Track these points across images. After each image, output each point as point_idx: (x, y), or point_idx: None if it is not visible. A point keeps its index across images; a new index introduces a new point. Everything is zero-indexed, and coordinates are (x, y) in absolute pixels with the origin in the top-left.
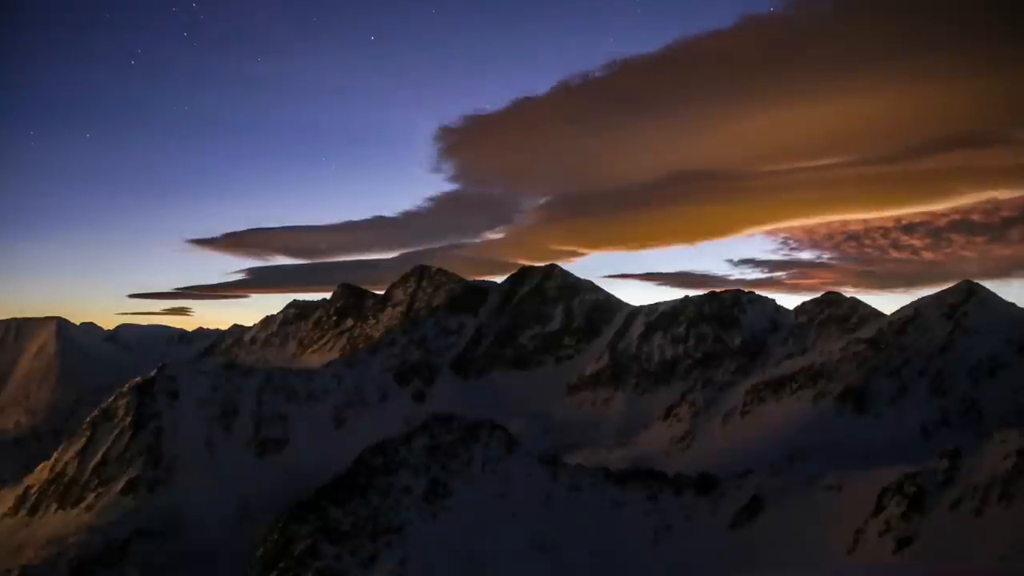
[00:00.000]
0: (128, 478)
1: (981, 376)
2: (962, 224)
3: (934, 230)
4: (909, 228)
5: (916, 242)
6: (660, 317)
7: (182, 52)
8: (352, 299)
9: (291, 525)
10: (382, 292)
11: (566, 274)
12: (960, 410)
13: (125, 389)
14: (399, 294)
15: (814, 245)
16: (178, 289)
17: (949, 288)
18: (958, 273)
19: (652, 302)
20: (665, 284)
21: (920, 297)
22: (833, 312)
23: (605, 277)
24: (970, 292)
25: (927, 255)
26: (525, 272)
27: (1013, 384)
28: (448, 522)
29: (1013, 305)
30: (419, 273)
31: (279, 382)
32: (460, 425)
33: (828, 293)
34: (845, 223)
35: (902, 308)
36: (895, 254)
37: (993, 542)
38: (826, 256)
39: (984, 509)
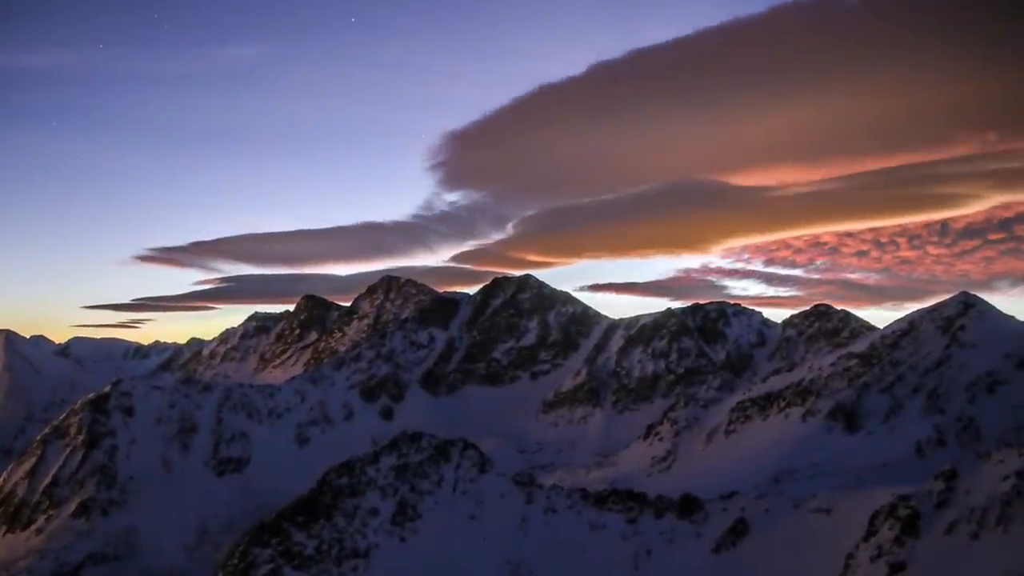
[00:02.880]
0: (80, 499)
1: (979, 393)
2: (964, 232)
3: (932, 239)
4: (907, 238)
5: (914, 253)
6: (641, 330)
7: (151, 36)
8: (316, 311)
9: (252, 549)
10: (348, 304)
11: (542, 285)
12: (956, 429)
13: (77, 406)
14: (366, 306)
15: (805, 256)
16: (134, 301)
17: (945, 300)
18: (956, 284)
19: (634, 314)
20: (648, 295)
21: (915, 310)
22: (823, 325)
23: (586, 288)
24: (967, 305)
25: (924, 266)
26: (498, 283)
27: (1012, 401)
28: (417, 546)
29: (1012, 318)
30: (387, 284)
31: (240, 399)
32: (430, 444)
33: (817, 306)
34: (839, 234)
35: (895, 321)
36: (890, 266)
37: (990, 568)
38: (818, 268)
39: (981, 533)
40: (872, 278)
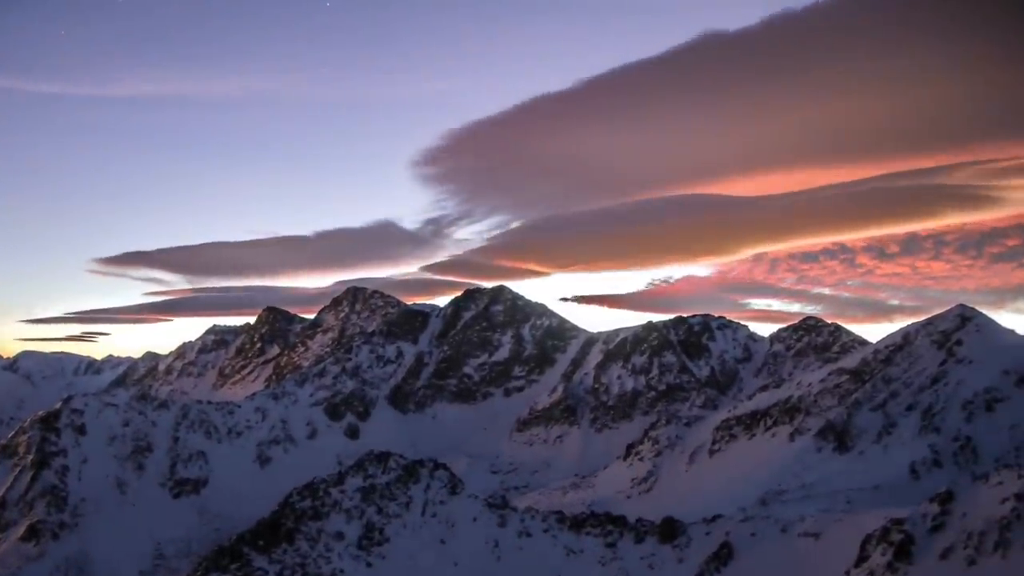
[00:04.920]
0: (29, 522)
1: (977, 411)
2: (963, 244)
3: (928, 250)
4: (903, 249)
5: (910, 264)
6: (620, 344)
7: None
8: (278, 324)
9: (210, 574)
10: (311, 316)
11: (516, 296)
12: (953, 449)
13: (26, 423)
14: (330, 319)
15: (794, 269)
16: (85, 312)
17: (941, 313)
18: (955, 298)
19: (614, 327)
20: (629, 308)
21: (909, 323)
22: (812, 340)
23: (574, 299)
24: (964, 318)
25: (922, 278)
26: (470, 294)
27: (1012, 420)
28: (384, 571)
29: (1012, 332)
30: (352, 295)
31: (197, 416)
32: (398, 464)
33: (807, 319)
34: (831, 245)
35: (889, 335)
36: (885, 279)
37: None
38: (806, 281)
39: (979, 559)
40: (897, 294)
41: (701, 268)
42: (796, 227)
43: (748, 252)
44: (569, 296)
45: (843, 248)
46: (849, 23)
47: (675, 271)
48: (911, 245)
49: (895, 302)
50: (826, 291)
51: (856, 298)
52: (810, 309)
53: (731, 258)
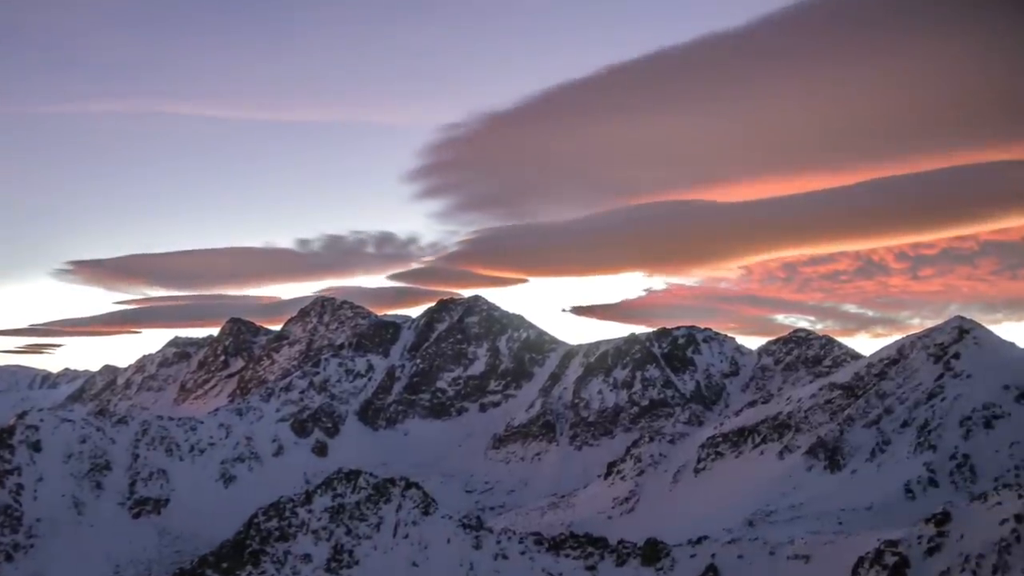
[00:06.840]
0: None
1: (975, 428)
2: (963, 253)
3: (926, 260)
4: (900, 259)
5: (908, 275)
6: (601, 357)
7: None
8: (243, 336)
9: None
10: (278, 328)
11: (492, 307)
12: (950, 467)
13: None
14: (297, 330)
15: (785, 279)
16: (39, 324)
17: (938, 326)
18: (953, 309)
19: (595, 340)
20: (613, 319)
21: (905, 336)
22: (802, 353)
23: (572, 310)
24: (962, 330)
25: (920, 289)
26: (444, 305)
27: (1012, 437)
28: None
29: (1013, 345)
30: (320, 306)
31: (158, 433)
32: (368, 483)
33: (796, 331)
34: (824, 255)
35: (883, 349)
36: (881, 290)
37: None
38: (797, 292)
39: None
40: (922, 308)
41: (688, 279)
42: (808, 232)
43: (757, 258)
44: (562, 305)
45: (857, 256)
46: (868, 14)
47: (672, 280)
48: (935, 253)
49: (916, 320)
50: (838, 300)
51: (870, 309)
52: (829, 323)
53: (721, 269)
